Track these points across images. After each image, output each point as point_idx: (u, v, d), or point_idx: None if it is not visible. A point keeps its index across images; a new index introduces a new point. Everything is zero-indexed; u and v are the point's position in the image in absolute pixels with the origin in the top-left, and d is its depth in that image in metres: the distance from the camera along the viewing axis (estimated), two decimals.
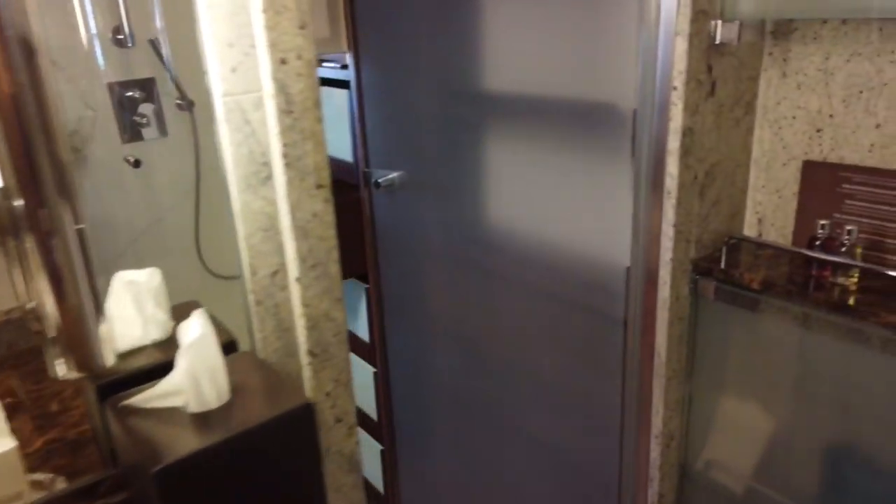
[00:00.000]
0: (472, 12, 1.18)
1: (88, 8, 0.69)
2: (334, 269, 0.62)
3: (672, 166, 0.96)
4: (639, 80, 0.96)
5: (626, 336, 1.12)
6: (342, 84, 1.50)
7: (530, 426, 1.36)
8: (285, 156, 0.56)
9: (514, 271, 1.28)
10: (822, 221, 0.93)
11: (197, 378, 0.71)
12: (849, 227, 0.90)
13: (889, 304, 0.85)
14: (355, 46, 1.40)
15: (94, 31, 0.70)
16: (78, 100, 0.74)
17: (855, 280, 0.91)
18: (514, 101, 1.17)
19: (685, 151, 0.96)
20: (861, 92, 0.92)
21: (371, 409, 1.83)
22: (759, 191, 1.07)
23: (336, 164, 1.62)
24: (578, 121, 1.08)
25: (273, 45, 0.53)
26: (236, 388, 0.73)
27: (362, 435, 1.92)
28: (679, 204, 0.98)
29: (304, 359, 0.67)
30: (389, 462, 1.84)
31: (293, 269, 0.58)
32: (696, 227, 1.03)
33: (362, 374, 1.82)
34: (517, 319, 1.31)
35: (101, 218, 0.74)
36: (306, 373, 0.67)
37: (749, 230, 1.11)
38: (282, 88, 0.54)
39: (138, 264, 0.76)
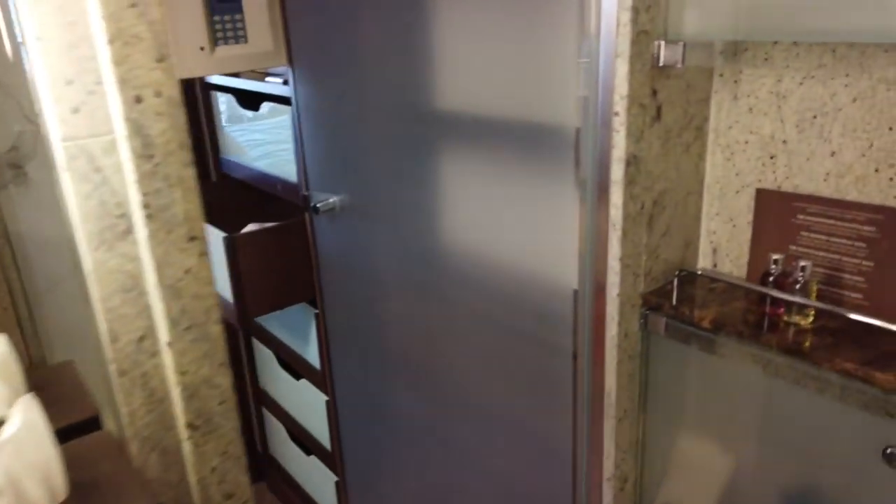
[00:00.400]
0: (412, 28, 1.11)
1: None
2: (215, 329, 0.55)
3: (616, 196, 0.90)
4: (581, 105, 0.89)
5: (576, 371, 1.05)
6: (288, 101, 1.43)
7: (481, 460, 1.29)
8: (146, 206, 0.49)
9: (461, 296, 1.21)
10: (775, 256, 0.87)
11: (17, 479, 0.62)
12: (802, 264, 0.84)
13: (845, 347, 0.79)
14: (292, 61, 1.32)
15: None
16: None
17: (810, 320, 0.85)
18: (456, 121, 1.10)
19: (630, 181, 0.89)
20: (815, 117, 0.86)
21: (325, 439, 1.75)
22: (713, 219, 1.01)
23: (285, 186, 1.54)
24: (523, 142, 1.01)
25: (124, 82, 0.46)
26: (79, 484, 0.63)
27: (317, 466, 1.84)
28: (625, 236, 0.91)
29: (183, 432, 0.59)
30: (343, 493, 1.76)
31: (163, 334, 0.51)
32: (645, 259, 0.96)
33: (315, 401, 1.74)
34: (465, 347, 1.24)
35: None
36: (186, 447, 0.60)
37: (704, 260, 1.04)
38: (138, 130, 0.47)
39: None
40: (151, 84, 0.48)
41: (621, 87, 0.84)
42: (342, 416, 1.64)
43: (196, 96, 1.81)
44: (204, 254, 0.52)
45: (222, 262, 1.43)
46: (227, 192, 1.84)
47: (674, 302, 0.95)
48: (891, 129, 0.79)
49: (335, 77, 1.27)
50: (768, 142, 0.91)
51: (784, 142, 0.90)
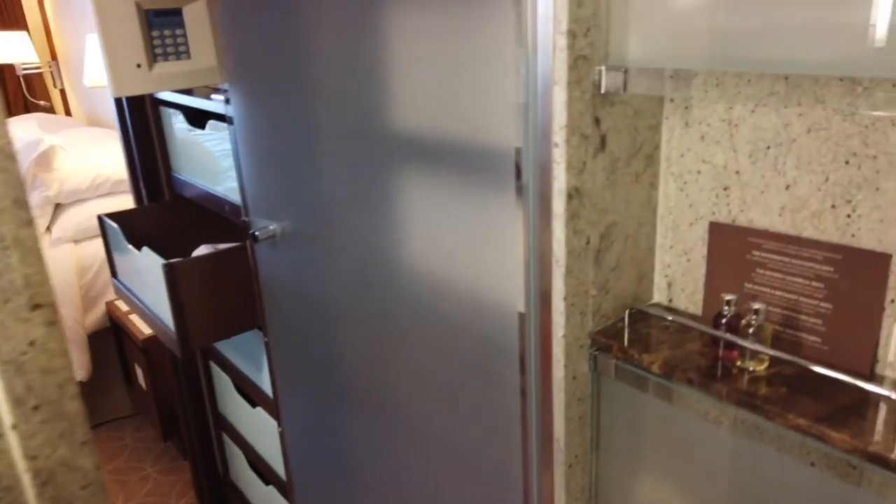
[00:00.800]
0: (349, 48, 1.04)
1: None
2: (73, 406, 0.48)
3: (559, 231, 0.83)
4: (521, 135, 0.83)
5: (525, 410, 0.99)
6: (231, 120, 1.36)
7: (431, 496, 1.22)
8: None
9: (408, 324, 1.14)
10: (728, 297, 0.81)
11: None
12: (756, 307, 0.78)
13: (800, 399, 0.73)
14: (227, 79, 1.25)
15: None
16: None
17: (765, 366, 0.79)
18: (398, 144, 1.03)
19: (572, 215, 0.83)
20: (768, 147, 0.80)
21: (281, 469, 1.68)
22: (668, 252, 0.95)
23: (232, 208, 1.47)
24: (467, 165, 0.94)
25: None
26: None
27: (274, 495, 1.76)
28: (569, 273, 0.85)
29: None
30: None
31: (6, 415, 0.45)
32: (594, 296, 0.90)
33: (270, 430, 1.67)
34: (413, 376, 1.17)
35: None
36: None
37: (659, 294, 0.98)
38: None
39: None
40: None
41: (559, 116, 0.78)
42: (291, 447, 1.56)
43: (147, 111, 1.73)
44: (54, 322, 0.45)
45: (164, 290, 1.35)
46: (180, 212, 1.77)
47: (625, 342, 0.89)
48: (847, 162, 0.73)
49: (270, 97, 1.20)
50: (721, 172, 0.85)
51: (737, 172, 0.84)
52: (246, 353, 1.67)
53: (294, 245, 1.25)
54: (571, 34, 0.74)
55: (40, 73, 4.03)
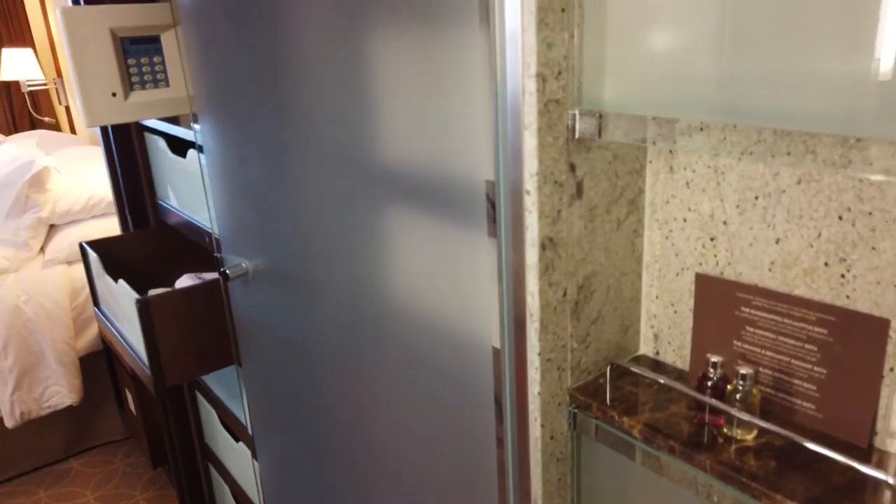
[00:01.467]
0: (322, 81, 1.00)
1: None
2: None
3: (532, 284, 0.78)
4: (494, 178, 0.78)
5: (502, 464, 0.93)
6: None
7: None
8: None
9: (382, 362, 1.08)
10: (714, 359, 0.75)
11: None
12: (743, 371, 0.71)
13: (790, 475, 0.67)
14: (197, 109, 1.21)
15: None
16: None
17: (753, 436, 0.72)
18: (372, 179, 0.98)
19: (546, 266, 0.77)
20: (757, 198, 0.74)
21: None
22: (654, 302, 0.89)
23: (211, 239, 1.43)
24: (441, 202, 0.89)
25: None
26: None
27: None
28: (545, 328, 0.79)
29: None
30: None
31: None
32: (573, 350, 0.84)
33: (247, 464, 1.61)
34: (389, 416, 1.11)
35: None
36: None
37: (646, 346, 0.92)
38: None
39: None
40: None
41: (530, 163, 0.72)
42: (266, 484, 1.51)
43: (132, 137, 1.70)
44: None
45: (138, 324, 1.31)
46: (165, 239, 1.73)
47: (606, 400, 0.83)
48: (841, 218, 0.67)
49: (241, 128, 1.16)
50: (708, 221, 0.79)
51: (724, 223, 0.78)
52: (229, 386, 1.62)
53: (266, 282, 1.20)
54: (541, 77, 0.69)
55: (46, 90, 4.04)
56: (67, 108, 4.00)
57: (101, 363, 2.58)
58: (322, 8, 0.95)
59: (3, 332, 2.28)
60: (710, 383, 0.75)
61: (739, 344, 0.79)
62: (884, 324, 0.66)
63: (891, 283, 0.65)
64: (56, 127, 4.08)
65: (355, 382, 1.15)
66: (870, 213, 0.65)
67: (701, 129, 0.75)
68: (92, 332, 2.50)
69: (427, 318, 0.96)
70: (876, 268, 0.66)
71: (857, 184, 0.65)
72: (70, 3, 1.53)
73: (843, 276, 0.68)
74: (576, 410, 0.86)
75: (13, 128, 4.00)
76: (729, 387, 0.73)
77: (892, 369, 0.67)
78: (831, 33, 0.54)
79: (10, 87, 3.95)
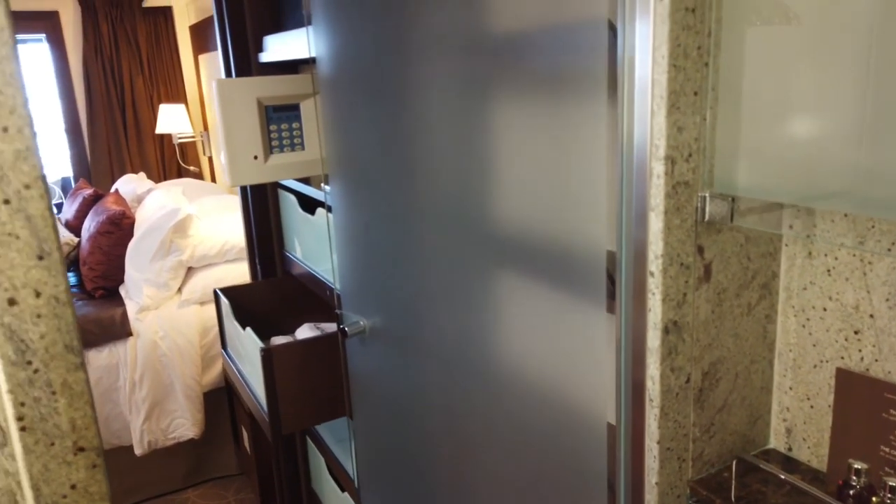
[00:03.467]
0: (443, 151, 1.03)
1: None
2: None
3: (653, 368, 0.75)
4: (616, 256, 0.77)
5: None
6: None
7: None
8: (20, 418, 0.43)
9: (494, 427, 1.07)
10: (857, 465, 0.68)
11: None
12: (893, 483, 0.65)
13: None
14: (330, 169, 1.28)
15: None
16: None
17: None
18: (492, 246, 0.99)
19: (669, 351, 0.74)
20: None
21: None
22: (787, 393, 0.83)
23: (333, 293, 1.49)
24: (560, 274, 0.89)
25: None
26: None
27: None
28: (664, 415, 0.76)
29: None
30: None
31: None
32: (695, 440, 0.79)
33: None
34: (498, 482, 1.09)
35: None
36: None
37: (776, 440, 0.85)
38: (10, 335, 0.41)
39: None
40: (29, 284, 0.43)
41: (655, 245, 0.71)
42: None
43: (266, 193, 1.83)
44: (97, 465, 0.45)
45: (260, 371, 1.38)
46: (289, 289, 1.83)
47: (731, 497, 0.78)
48: None
49: (367, 192, 1.21)
50: (852, 313, 0.73)
51: (871, 316, 0.72)
52: (339, 436, 1.66)
53: (382, 341, 1.24)
54: (670, 160, 0.68)
55: (193, 142, 4.45)
56: (210, 159, 4.37)
57: (222, 400, 2.73)
58: (451, 80, 0.99)
59: (141, 365, 2.47)
60: (852, 492, 0.68)
61: (887, 450, 0.72)
62: None
63: None
64: (199, 175, 4.47)
65: (463, 447, 1.14)
66: None
67: (845, 215, 0.70)
68: (216, 369, 2.66)
69: (540, 388, 0.95)
70: None
71: None
72: (223, 74, 1.69)
73: None
74: None
75: (163, 175, 4.42)
76: (875, 499, 0.66)
77: None
78: None
79: (164, 139, 4.38)
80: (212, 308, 2.64)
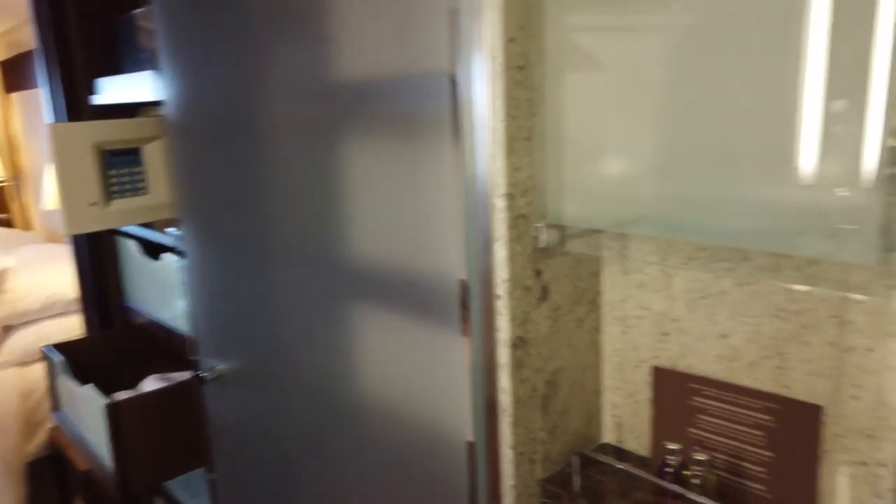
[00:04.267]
0: (296, 185, 1.08)
1: None
2: None
3: (504, 381, 0.84)
4: (468, 284, 0.85)
5: None
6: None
7: None
8: None
9: (356, 460, 1.11)
10: (672, 446, 0.81)
11: None
12: (699, 457, 0.78)
13: None
14: (181, 212, 1.27)
15: None
16: None
17: None
18: (348, 280, 1.04)
19: (517, 364, 0.84)
20: (702, 298, 0.83)
21: None
22: (615, 392, 0.96)
23: (184, 339, 1.45)
24: (417, 306, 0.96)
25: None
26: None
27: None
28: (516, 423, 0.85)
29: None
30: None
31: None
32: (542, 443, 0.89)
33: None
34: None
35: None
36: None
37: (608, 435, 0.98)
38: None
39: None
40: None
41: (501, 270, 0.80)
42: None
43: (101, 240, 1.73)
44: None
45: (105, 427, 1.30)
46: (130, 340, 1.73)
47: (576, 488, 0.88)
48: (776, 316, 0.77)
49: (221, 233, 1.22)
50: (661, 319, 0.88)
51: (675, 320, 0.86)
52: (194, 490, 1.59)
53: (245, 384, 1.23)
54: (510, 196, 0.78)
55: (3, 187, 4.03)
56: (23, 206, 3.98)
57: (48, 470, 2.47)
58: (306, 123, 1.05)
59: None
60: (669, 470, 0.81)
61: (695, 431, 0.86)
62: (817, 410, 0.74)
63: (821, 374, 0.74)
64: (9, 223, 4.04)
65: (332, 480, 1.16)
66: (799, 312, 0.75)
67: (651, 239, 0.85)
68: (41, 436, 2.40)
69: (403, 415, 1.01)
70: (808, 360, 0.75)
71: (790, 288, 0.75)
72: (48, 116, 1.60)
73: (780, 367, 0.77)
74: (546, 502, 0.90)
75: None
76: (687, 472, 0.80)
77: (827, 452, 0.75)
78: (755, 166, 0.65)
79: None
80: (34, 369, 2.40)
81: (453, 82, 0.84)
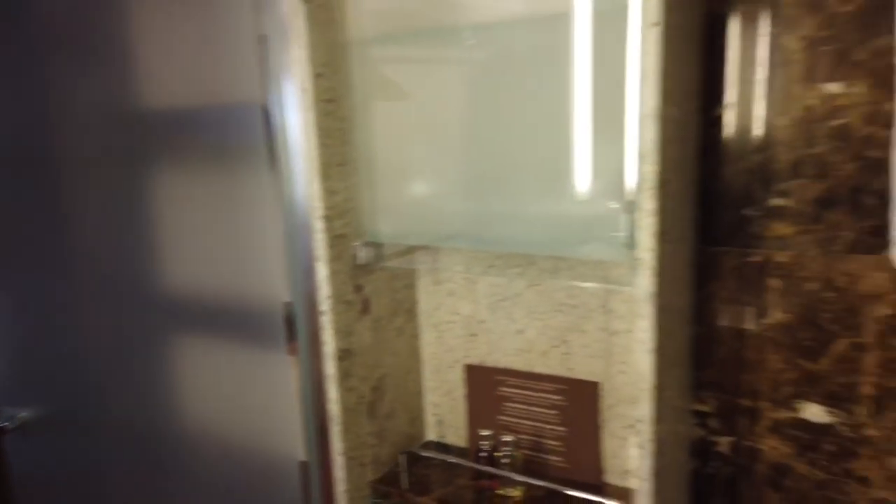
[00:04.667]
0: (112, 210, 1.05)
1: None
2: None
3: (333, 392, 0.90)
4: (293, 304, 0.90)
5: None
6: None
7: None
8: None
9: (188, 494, 1.09)
10: (484, 433, 0.93)
11: None
12: (506, 439, 0.90)
13: None
14: None
15: None
16: None
17: (520, 492, 0.90)
18: (172, 309, 1.03)
19: (345, 374, 0.90)
20: (501, 300, 0.96)
21: None
22: (434, 392, 1.06)
23: None
24: (242, 332, 0.98)
25: None
26: None
27: None
28: (346, 430, 0.91)
29: None
30: None
31: None
32: (371, 446, 0.96)
33: None
34: None
35: None
36: None
37: (431, 432, 1.07)
38: None
39: None
40: None
41: (324, 288, 0.86)
42: None
43: None
44: None
45: None
46: None
47: (405, 485, 0.96)
48: (559, 311, 0.91)
49: (19, 277, 1.14)
50: (469, 321, 0.99)
51: (481, 321, 0.98)
52: None
53: (53, 431, 1.15)
54: (328, 218, 0.85)
55: None
56: None
57: None
58: (114, 154, 1.02)
59: None
60: (483, 454, 0.92)
61: (503, 418, 0.98)
62: (595, 385, 0.89)
63: (596, 355, 0.89)
64: None
65: None
66: (576, 306, 0.90)
67: (456, 251, 0.96)
68: None
69: (233, 443, 1.02)
70: (586, 345, 0.90)
71: (569, 286, 0.90)
72: None
73: (566, 353, 0.91)
74: (377, 501, 0.97)
75: None
76: (498, 454, 0.91)
77: (606, 420, 0.90)
78: (536, 185, 0.78)
79: None
80: None
81: (266, 112, 0.88)
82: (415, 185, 0.86)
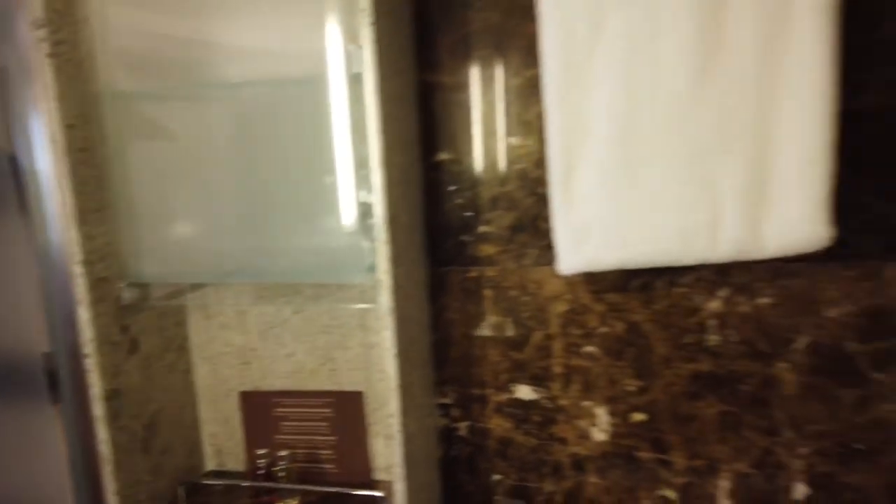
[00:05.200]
0: None
1: None
2: None
3: (102, 433, 0.91)
4: (53, 353, 0.89)
5: None
6: None
7: None
8: None
9: None
10: (260, 452, 1.00)
11: None
12: (281, 453, 0.98)
13: None
14: None
15: None
16: None
17: (296, 501, 0.98)
18: None
19: (114, 415, 0.91)
20: (271, 328, 1.04)
21: None
22: (211, 422, 1.10)
23: None
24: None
25: None
26: None
27: None
28: (119, 469, 0.92)
29: None
30: None
31: None
32: (146, 483, 0.98)
33: None
34: None
35: None
36: None
37: (211, 462, 1.11)
38: None
39: None
40: None
41: (87, 331, 0.87)
42: None
43: None
44: None
45: None
46: None
47: None
48: (324, 332, 1.02)
49: None
50: (242, 350, 1.06)
51: (253, 349, 1.05)
52: None
53: None
54: (88, 263, 0.87)
55: None
56: None
57: None
58: None
59: None
60: (260, 472, 0.99)
61: (280, 436, 1.06)
62: (360, 395, 1.02)
63: (357, 368, 1.01)
64: None
65: None
66: (340, 326, 1.01)
67: (225, 285, 1.03)
68: None
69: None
70: (349, 360, 1.02)
71: (330, 309, 1.01)
72: None
73: (332, 369, 1.02)
74: None
75: None
76: (275, 469, 0.99)
77: (370, 424, 1.03)
78: (296, 223, 0.88)
79: None
80: None
81: (14, 161, 0.88)
82: (178, 227, 0.92)
